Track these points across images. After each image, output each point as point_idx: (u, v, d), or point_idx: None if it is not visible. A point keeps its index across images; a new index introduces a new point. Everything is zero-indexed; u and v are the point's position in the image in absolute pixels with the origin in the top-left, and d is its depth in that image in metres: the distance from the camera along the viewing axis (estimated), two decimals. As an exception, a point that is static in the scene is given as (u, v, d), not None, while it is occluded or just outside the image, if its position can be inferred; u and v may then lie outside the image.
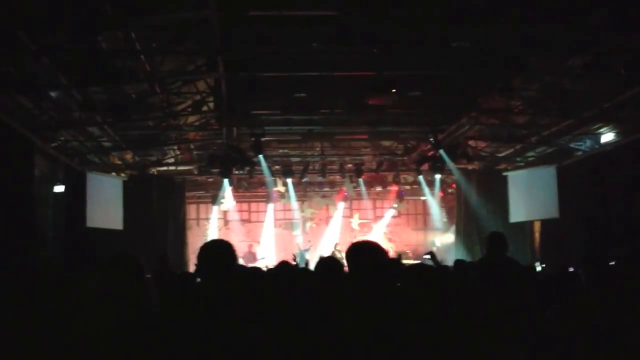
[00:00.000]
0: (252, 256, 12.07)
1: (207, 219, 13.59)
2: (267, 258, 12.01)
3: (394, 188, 13.08)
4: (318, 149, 11.09)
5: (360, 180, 11.93)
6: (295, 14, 5.26)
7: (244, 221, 14.25)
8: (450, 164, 10.07)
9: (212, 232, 13.14)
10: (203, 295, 2.06)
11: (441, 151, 9.58)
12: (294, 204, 12.95)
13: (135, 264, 1.82)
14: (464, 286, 4.02)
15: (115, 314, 1.70)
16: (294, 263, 5.44)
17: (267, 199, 13.02)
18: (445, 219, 13.54)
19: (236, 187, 12.39)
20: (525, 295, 3.59)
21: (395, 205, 13.89)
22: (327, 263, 2.67)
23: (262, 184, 12.68)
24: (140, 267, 1.82)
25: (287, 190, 12.52)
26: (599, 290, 2.89)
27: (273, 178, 11.71)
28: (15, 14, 4.83)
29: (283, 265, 3.55)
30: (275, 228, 14.05)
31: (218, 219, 13.73)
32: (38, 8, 4.86)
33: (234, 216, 13.84)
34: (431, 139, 9.29)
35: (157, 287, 3.08)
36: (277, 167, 11.37)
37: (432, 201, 12.71)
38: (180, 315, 1.99)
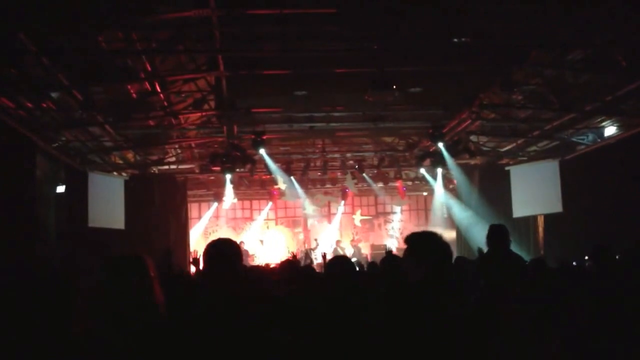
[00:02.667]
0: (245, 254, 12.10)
1: (209, 217, 13.62)
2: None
3: (397, 184, 13.07)
4: (319, 146, 11.07)
5: (365, 175, 11.92)
6: (295, 12, 5.23)
7: (246, 219, 14.28)
8: (449, 160, 10.05)
9: (202, 231, 13.18)
10: (208, 295, 2.05)
11: (441, 147, 9.56)
12: (304, 199, 12.95)
13: (142, 264, 1.80)
14: (464, 282, 4.00)
15: (118, 315, 1.69)
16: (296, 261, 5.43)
17: (269, 196, 13.02)
18: (446, 215, 13.54)
19: (237, 186, 12.40)
20: (526, 289, 3.56)
21: (402, 200, 13.88)
22: (338, 263, 2.62)
23: (264, 182, 12.68)
24: (146, 267, 1.80)
25: (288, 188, 12.53)
26: (607, 282, 2.89)
27: (275, 176, 11.71)
28: (16, 15, 4.81)
29: (286, 264, 3.54)
30: (277, 226, 14.08)
31: (220, 216, 13.76)
32: (38, 8, 4.84)
33: (230, 214, 13.88)
34: (430, 132, 9.26)
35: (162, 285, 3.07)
36: (278, 164, 11.36)
37: (438, 194, 12.64)
38: (186, 316, 1.99)
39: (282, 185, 12.28)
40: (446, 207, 13.40)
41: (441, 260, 1.98)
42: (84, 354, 1.58)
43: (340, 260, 2.59)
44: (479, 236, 10.63)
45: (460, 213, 11.98)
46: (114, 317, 1.67)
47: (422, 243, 2.01)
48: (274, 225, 14.34)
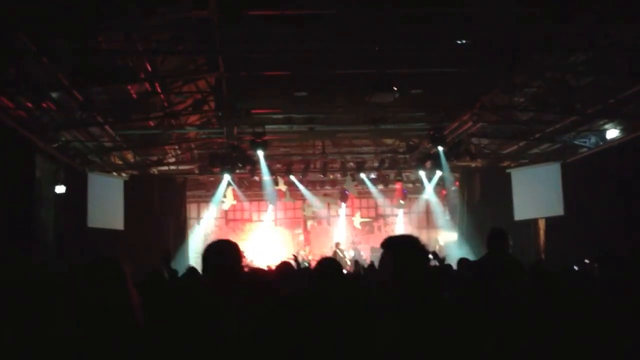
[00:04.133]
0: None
1: (208, 218, 13.59)
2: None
3: (397, 186, 13.02)
4: (319, 147, 11.05)
5: (364, 176, 11.86)
6: (296, 13, 5.21)
7: (245, 220, 14.24)
8: (445, 164, 10.02)
9: (211, 231, 13.15)
10: (206, 297, 2.03)
11: (440, 149, 9.54)
12: (308, 195, 12.87)
13: (116, 268, 1.76)
14: (464, 284, 3.97)
15: (93, 317, 1.66)
16: (294, 264, 5.41)
17: (270, 198, 12.97)
18: (447, 217, 13.49)
19: (237, 187, 12.38)
20: (524, 293, 3.52)
21: (402, 203, 13.82)
22: (326, 265, 2.62)
23: (264, 181, 12.65)
24: (121, 271, 1.77)
25: (288, 189, 12.49)
26: (612, 286, 2.86)
27: (274, 177, 11.69)
28: (16, 15, 4.80)
29: (283, 266, 3.51)
30: (277, 227, 14.02)
31: (219, 217, 13.72)
32: (38, 8, 4.83)
33: (230, 215, 13.85)
34: (431, 133, 9.24)
35: (154, 287, 3.04)
36: (278, 165, 11.34)
37: (433, 199, 12.68)
38: (182, 317, 1.96)
39: (282, 186, 12.25)
40: (448, 210, 13.38)
41: (424, 265, 1.94)
42: (61, 356, 1.55)
43: (329, 261, 2.60)
44: (479, 238, 10.57)
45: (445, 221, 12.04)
46: (89, 320, 1.65)
47: (407, 247, 1.97)
48: (274, 226, 14.29)
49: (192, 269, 4.18)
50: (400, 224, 14.08)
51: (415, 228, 14.33)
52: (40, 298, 1.61)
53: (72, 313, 1.64)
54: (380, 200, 13.62)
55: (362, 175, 11.86)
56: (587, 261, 6.59)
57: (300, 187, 12.27)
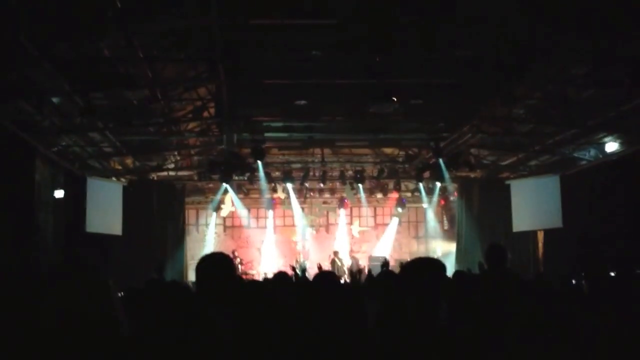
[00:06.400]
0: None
1: (207, 224, 13.55)
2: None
3: (395, 195, 13.00)
4: (319, 155, 11.06)
5: (360, 186, 11.85)
6: (296, 23, 5.25)
7: (244, 227, 14.17)
8: (446, 174, 10.03)
9: (210, 238, 13.11)
10: (201, 311, 2.02)
11: (440, 162, 9.55)
12: (297, 208, 12.85)
13: (100, 279, 1.75)
14: (461, 299, 3.93)
15: (76, 330, 1.64)
16: (292, 274, 5.39)
17: (267, 205, 12.94)
18: (446, 227, 13.44)
19: (236, 193, 12.37)
20: (524, 308, 3.49)
21: (400, 210, 13.77)
22: (324, 278, 2.59)
23: (262, 190, 12.64)
24: (106, 282, 1.75)
25: (287, 197, 12.46)
26: (601, 301, 2.84)
27: (272, 184, 11.68)
28: (17, 20, 4.82)
29: (280, 276, 3.49)
30: (275, 234, 13.95)
31: (217, 224, 13.67)
32: (40, 14, 4.86)
33: (228, 222, 13.82)
34: (432, 144, 9.25)
35: (149, 297, 3.01)
36: (277, 173, 11.34)
37: (430, 210, 12.69)
38: (176, 328, 1.94)
39: (281, 194, 12.22)
40: (447, 220, 13.34)
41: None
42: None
43: (325, 275, 2.58)
44: (477, 250, 10.52)
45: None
46: (72, 333, 1.63)
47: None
48: (272, 233, 14.23)
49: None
50: (392, 233, 14.03)
51: (413, 238, 14.27)
52: (31, 302, 1.60)
53: (56, 320, 1.63)
54: (370, 211, 13.61)
55: (360, 186, 11.85)
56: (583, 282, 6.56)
57: (293, 200, 12.26)
